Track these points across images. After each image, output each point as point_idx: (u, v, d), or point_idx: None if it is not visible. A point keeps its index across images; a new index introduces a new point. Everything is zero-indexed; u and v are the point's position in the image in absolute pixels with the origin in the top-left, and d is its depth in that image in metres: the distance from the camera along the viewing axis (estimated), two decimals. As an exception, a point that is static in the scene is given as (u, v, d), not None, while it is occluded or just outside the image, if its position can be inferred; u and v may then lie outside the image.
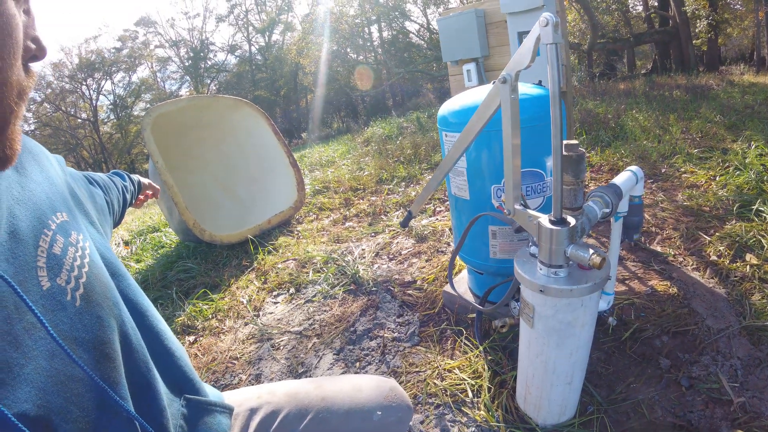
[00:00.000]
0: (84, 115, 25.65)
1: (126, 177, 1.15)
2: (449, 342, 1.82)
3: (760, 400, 1.34)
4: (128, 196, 1.10)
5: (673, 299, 1.82)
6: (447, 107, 1.62)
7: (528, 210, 1.03)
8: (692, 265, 2.06)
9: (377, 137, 7.19)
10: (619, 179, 1.40)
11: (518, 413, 1.38)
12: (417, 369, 1.70)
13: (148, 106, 25.98)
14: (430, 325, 1.96)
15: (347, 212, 3.80)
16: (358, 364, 1.81)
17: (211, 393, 0.82)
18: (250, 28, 27.02)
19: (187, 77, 27.55)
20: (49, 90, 24.36)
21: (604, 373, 1.52)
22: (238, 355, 2.02)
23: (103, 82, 25.67)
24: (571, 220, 0.95)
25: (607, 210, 1.20)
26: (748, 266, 1.93)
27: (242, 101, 4.00)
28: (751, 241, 2.09)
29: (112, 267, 0.65)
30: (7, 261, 0.48)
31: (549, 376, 1.15)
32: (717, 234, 2.23)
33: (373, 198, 4.06)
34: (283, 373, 1.85)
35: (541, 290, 0.99)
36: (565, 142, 0.99)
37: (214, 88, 27.42)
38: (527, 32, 2.39)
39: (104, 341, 0.56)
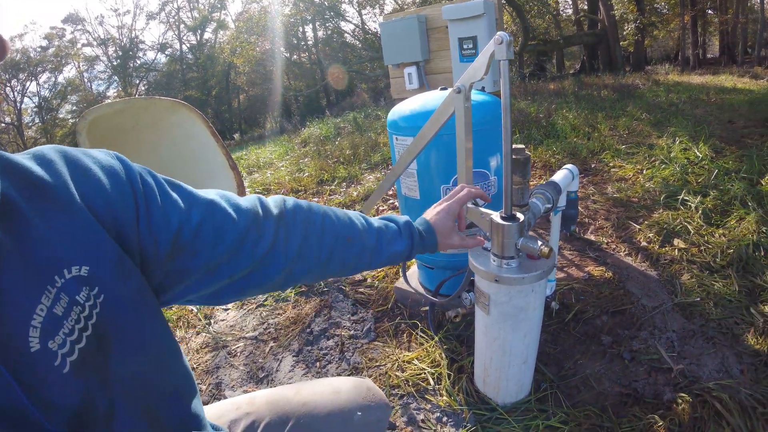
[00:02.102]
0: (8, 119, 23.61)
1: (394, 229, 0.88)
2: (405, 335, 1.89)
3: (698, 366, 1.52)
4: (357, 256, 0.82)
5: (609, 282, 1.99)
6: (397, 112, 1.68)
7: (480, 208, 1.11)
8: (624, 251, 2.26)
9: (315, 138, 7.14)
10: (558, 177, 1.53)
11: (478, 395, 1.48)
12: (377, 363, 1.75)
13: (74, 108, 24.30)
14: (384, 320, 2.03)
15: (289, 215, 3.77)
16: (318, 363, 1.84)
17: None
18: (182, 26, 25.98)
19: (116, 77, 26.05)
20: (-29, 92, 22.20)
21: (552, 352, 1.65)
22: (194, 365, 1.98)
23: (28, 83, 23.75)
24: (520, 216, 1.04)
25: (549, 205, 1.32)
26: (676, 250, 2.16)
27: (179, 103, 3.86)
28: (678, 227, 2.33)
29: (136, 327, 0.56)
30: None
31: (506, 357, 1.25)
32: (646, 222, 2.46)
33: (315, 199, 4.05)
34: (244, 380, 1.84)
35: (496, 280, 1.07)
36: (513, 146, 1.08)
37: (143, 88, 26.11)
38: (468, 38, 2.52)
39: (85, 408, 0.49)
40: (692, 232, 2.27)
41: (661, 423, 1.32)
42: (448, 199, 0.96)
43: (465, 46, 2.53)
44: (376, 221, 0.87)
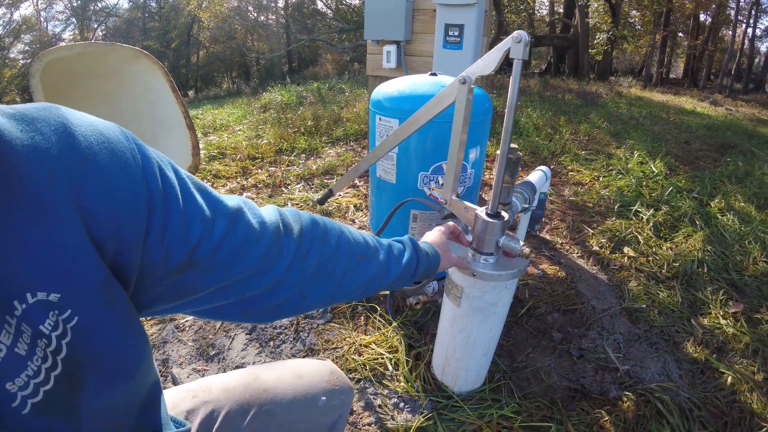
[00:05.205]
0: (-46, 55, 21.21)
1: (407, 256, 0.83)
2: (362, 318, 1.89)
3: (641, 368, 1.62)
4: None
5: (561, 282, 2.07)
6: (382, 92, 1.65)
7: (465, 202, 1.11)
8: (577, 253, 2.35)
9: (276, 104, 6.86)
10: (533, 177, 1.56)
11: (436, 383, 1.50)
12: (333, 346, 1.74)
13: (27, 48, 22.26)
14: (341, 301, 2.01)
15: (245, 182, 3.60)
16: (272, 343, 1.80)
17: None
18: (148, -29, 24.28)
19: (73, 19, 24.04)
20: None
21: (506, 344, 1.71)
22: (140, 337, 1.89)
23: (-19, 18, 21.42)
24: (505, 215, 1.05)
25: (526, 205, 1.34)
26: (625, 258, 2.27)
27: (142, 53, 3.59)
28: (629, 236, 2.45)
29: (115, 357, 0.47)
30: None
31: (470, 348, 1.28)
32: (599, 228, 2.57)
33: (272, 168, 3.90)
34: (193, 357, 1.76)
35: (473, 274, 1.08)
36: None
37: (101, 33, 24.30)
38: (455, 25, 2.50)
39: None
40: (642, 242, 2.39)
41: (607, 418, 1.40)
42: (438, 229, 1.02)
43: (451, 33, 2.51)
44: (384, 239, 0.84)
